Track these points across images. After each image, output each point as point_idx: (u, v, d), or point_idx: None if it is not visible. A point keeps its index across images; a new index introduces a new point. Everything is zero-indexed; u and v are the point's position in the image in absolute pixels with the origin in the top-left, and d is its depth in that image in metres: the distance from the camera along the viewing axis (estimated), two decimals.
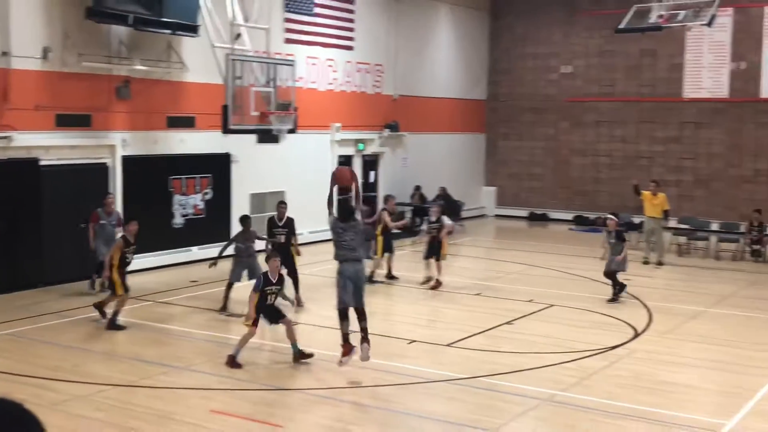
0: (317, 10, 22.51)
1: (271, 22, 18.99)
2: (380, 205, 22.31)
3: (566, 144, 29.11)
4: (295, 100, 18.51)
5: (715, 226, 23.38)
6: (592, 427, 9.24)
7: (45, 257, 16.23)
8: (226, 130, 17.05)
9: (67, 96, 16.54)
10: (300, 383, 10.69)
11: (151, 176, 18.22)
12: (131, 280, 13.89)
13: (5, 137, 15.38)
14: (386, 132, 25.25)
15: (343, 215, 11.24)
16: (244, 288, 14.74)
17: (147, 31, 17.41)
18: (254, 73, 17.69)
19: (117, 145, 17.55)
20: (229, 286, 14.42)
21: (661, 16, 20.17)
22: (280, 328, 11.64)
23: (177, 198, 18.90)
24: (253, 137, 20.02)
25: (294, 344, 11.39)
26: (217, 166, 19.76)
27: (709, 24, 20.13)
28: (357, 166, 24.53)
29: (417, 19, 26.53)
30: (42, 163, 16.26)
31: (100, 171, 17.43)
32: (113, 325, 13.08)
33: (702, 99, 26.51)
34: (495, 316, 14.37)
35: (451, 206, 25.96)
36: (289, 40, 21.61)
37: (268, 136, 19.33)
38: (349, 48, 23.84)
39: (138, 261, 17.44)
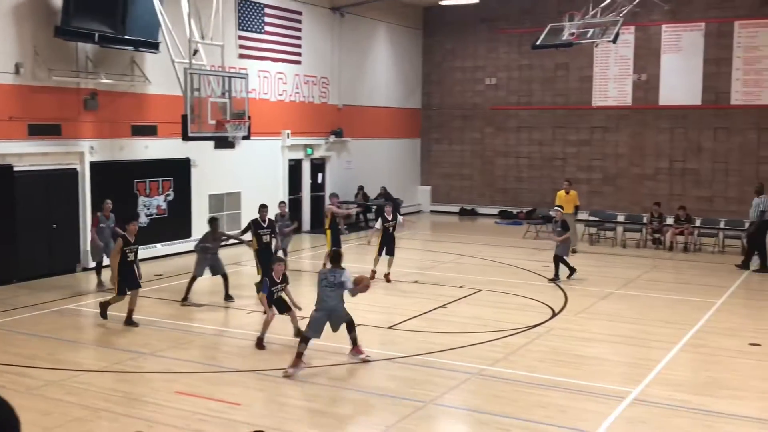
0: (267, 28, 22.34)
1: (225, 39, 18.79)
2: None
3: (491, 147, 29.38)
4: (249, 110, 18.35)
5: (621, 218, 23.85)
6: (516, 397, 9.35)
7: (19, 255, 15.85)
8: (186, 138, 16.84)
9: (38, 107, 16.17)
10: (258, 365, 10.61)
11: (117, 180, 17.92)
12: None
13: None
14: (332, 138, 25.18)
15: (332, 261, 10.88)
16: (205, 281, 14.62)
17: (112, 48, 17.17)
18: (211, 85, 17.52)
19: (85, 152, 17.22)
20: (193, 279, 14.24)
21: (572, 34, 20.44)
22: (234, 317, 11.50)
23: (141, 199, 18.63)
24: (211, 143, 19.84)
25: (296, 326, 11.57)
26: (178, 170, 19.51)
27: (614, 40, 20.47)
28: (306, 169, 24.44)
29: (358, 36, 26.51)
30: (16, 169, 15.86)
31: (70, 176, 17.08)
32: (129, 322, 12.50)
33: (609, 107, 26.99)
34: (430, 301, 14.45)
35: (391, 204, 26.02)
36: (242, 56, 21.42)
37: (224, 143, 19.17)
38: (297, 62, 23.72)
39: (106, 257, 17.19)
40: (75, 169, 17.17)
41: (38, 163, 16.39)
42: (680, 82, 25.72)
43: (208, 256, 14.28)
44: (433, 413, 8.89)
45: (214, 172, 20.56)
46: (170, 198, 19.33)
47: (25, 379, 9.81)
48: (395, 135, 29.13)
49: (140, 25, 17.10)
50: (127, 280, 12.63)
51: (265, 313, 11.47)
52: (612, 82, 26.84)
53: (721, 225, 22.17)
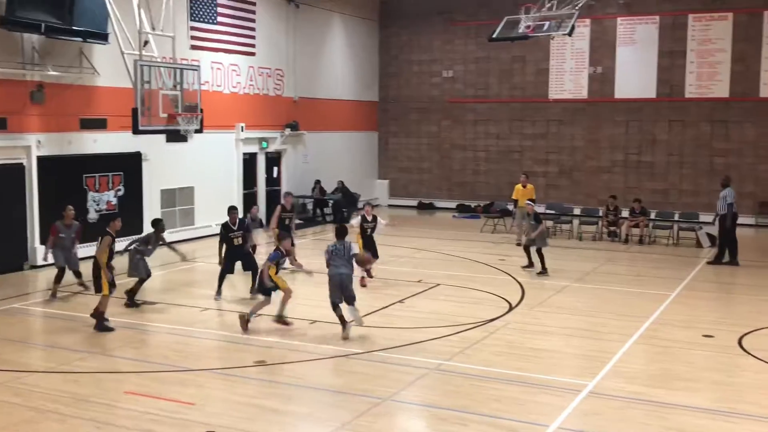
0: (220, 18, 22.11)
1: (176, 30, 18.54)
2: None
3: (448, 140, 29.50)
4: (201, 103, 18.18)
5: (577, 211, 24.15)
6: (473, 391, 9.41)
7: None
8: (137, 131, 16.63)
9: None
10: (210, 363, 10.52)
11: (65, 175, 17.60)
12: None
13: None
14: (287, 131, 25.04)
15: (337, 235, 12.07)
16: (156, 278, 14.42)
17: (59, 39, 16.85)
18: (162, 77, 17.28)
19: (32, 146, 16.88)
20: (141, 281, 13.78)
21: (528, 27, 20.55)
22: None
23: (91, 195, 18.33)
24: (162, 137, 19.58)
25: (282, 309, 12.10)
26: (129, 165, 19.23)
27: (570, 33, 20.64)
28: (261, 163, 24.28)
29: (313, 27, 26.37)
30: None
31: (17, 171, 16.72)
32: (102, 327, 11.99)
33: (565, 100, 27.28)
34: (388, 296, 14.46)
35: (348, 198, 26.02)
36: (194, 47, 21.17)
37: (176, 136, 18.92)
38: (252, 54, 23.51)
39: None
40: (21, 163, 16.82)
41: None
42: (635, 75, 26.08)
43: (138, 257, 13.74)
44: (391, 409, 8.89)
45: (166, 166, 20.31)
46: (120, 193, 19.06)
47: None
48: (352, 128, 29.07)
49: (88, 15, 16.81)
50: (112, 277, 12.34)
51: (284, 289, 12.02)
52: (568, 75, 27.11)
53: (676, 217, 22.57)
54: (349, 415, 8.57)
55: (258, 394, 9.40)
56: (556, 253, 19.72)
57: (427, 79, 29.65)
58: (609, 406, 8.95)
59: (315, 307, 13.15)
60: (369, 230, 15.58)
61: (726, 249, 18.21)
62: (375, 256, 15.37)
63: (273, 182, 25.02)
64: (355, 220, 15.92)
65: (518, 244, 20.44)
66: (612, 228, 21.84)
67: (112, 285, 12.23)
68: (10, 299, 14.10)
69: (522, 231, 20.92)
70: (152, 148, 19.66)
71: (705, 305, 14.42)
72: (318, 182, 25.89)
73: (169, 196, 20.52)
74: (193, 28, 21.15)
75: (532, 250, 16.87)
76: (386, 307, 13.67)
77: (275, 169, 25.23)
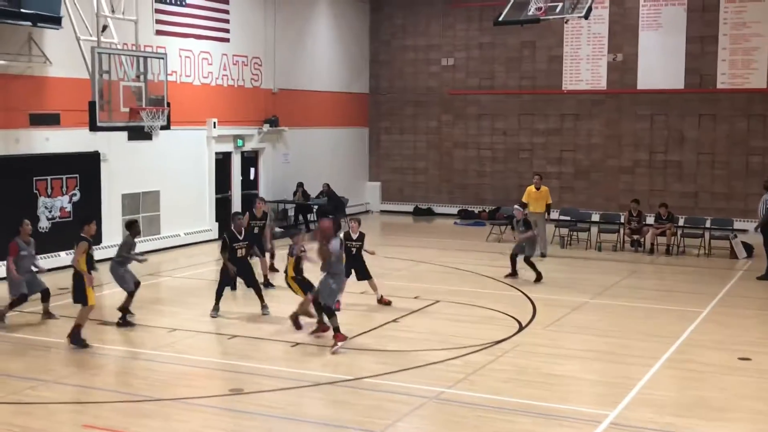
0: (190, 0, 22.12)
1: (139, 13, 18.54)
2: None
3: (449, 137, 29.55)
4: (168, 95, 18.16)
5: (595, 217, 24.16)
6: (479, 423, 9.41)
7: None
8: (94, 128, 16.61)
9: None
10: (179, 392, 10.49)
11: (12, 177, 17.52)
12: None
13: None
14: (266, 127, 25.05)
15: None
16: (117, 295, 14.40)
17: (5, 23, 16.77)
18: (123, 67, 17.31)
19: None
20: (131, 296, 13.91)
21: (539, 9, 20.61)
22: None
23: (42, 200, 18.27)
24: (124, 134, 19.58)
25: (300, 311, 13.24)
26: (86, 166, 19.18)
27: (586, 16, 20.73)
28: (236, 164, 24.28)
29: (296, 10, 26.40)
30: None
31: None
32: (79, 340, 12.21)
33: (581, 91, 27.37)
34: (381, 314, 14.46)
35: (335, 203, 26.02)
36: (160, 32, 21.17)
37: (139, 133, 18.90)
38: (225, 40, 23.53)
39: None
40: None
41: None
42: (660, 63, 26.17)
43: (123, 269, 13.90)
44: None
45: (128, 167, 20.28)
46: (76, 198, 19.01)
47: None
48: (339, 124, 29.09)
49: None
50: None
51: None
52: (584, 63, 27.20)
53: (707, 224, 22.61)
54: None
55: (234, 426, 9.38)
56: (573, 266, 19.79)
57: (424, 67, 29.70)
58: None
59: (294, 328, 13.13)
60: (354, 249, 15.13)
61: None
62: (366, 276, 15.32)
63: (250, 185, 25.00)
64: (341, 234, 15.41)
65: (543, 255, 20.24)
66: (635, 236, 21.88)
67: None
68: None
69: (540, 239, 20.81)
70: (112, 147, 19.63)
71: (741, 324, 14.44)
72: (300, 185, 25.88)
73: (131, 202, 20.49)
74: (158, 11, 21.14)
75: (519, 259, 17.53)
76: (379, 327, 13.66)
77: (252, 170, 25.21)
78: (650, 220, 22.24)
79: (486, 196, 28.85)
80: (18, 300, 13.67)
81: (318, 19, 27.78)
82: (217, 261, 14.46)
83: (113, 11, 17.71)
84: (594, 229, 22.80)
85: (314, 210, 25.79)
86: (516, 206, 18.69)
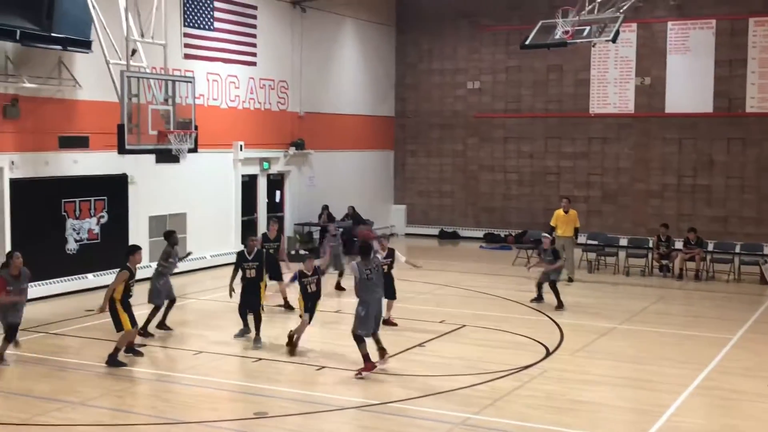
0: (218, 24, 22.34)
1: (168, 37, 18.72)
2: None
3: (475, 160, 29.55)
4: (196, 118, 18.29)
5: (623, 242, 24.03)
6: None
7: None
8: (123, 150, 16.73)
9: None
10: (203, 415, 10.50)
11: (42, 200, 17.73)
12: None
13: None
14: (292, 150, 25.18)
15: (363, 254, 12.54)
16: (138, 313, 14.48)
17: (36, 47, 17.01)
18: (152, 90, 17.46)
19: (4, 167, 17.02)
20: (156, 309, 14.55)
21: (566, 32, 20.61)
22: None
23: (70, 222, 18.44)
24: (152, 157, 19.71)
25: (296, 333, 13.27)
26: (113, 188, 19.37)
27: (614, 40, 20.68)
28: (262, 186, 24.40)
29: (322, 33, 26.58)
30: None
31: None
32: (115, 362, 12.55)
33: (608, 114, 27.29)
34: (406, 339, 14.41)
35: (359, 226, 26.04)
36: (188, 56, 21.39)
37: (167, 156, 19.03)
38: (252, 64, 23.73)
39: (28, 290, 16.97)
40: None
41: None
42: (689, 86, 26.07)
43: (162, 280, 14.48)
44: None
45: (155, 190, 20.43)
46: (104, 220, 19.17)
47: None
48: (365, 147, 29.18)
49: (69, 20, 16.97)
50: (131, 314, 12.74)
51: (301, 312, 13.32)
52: (612, 86, 27.14)
53: (737, 249, 22.42)
54: None
55: None
56: (601, 291, 19.66)
57: (450, 91, 29.77)
58: None
59: (322, 352, 13.13)
60: (384, 267, 14.86)
61: None
62: (392, 296, 15.35)
63: (275, 207, 25.11)
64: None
65: (570, 280, 20.24)
66: (664, 261, 21.72)
67: (133, 323, 12.74)
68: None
69: (567, 264, 20.75)
70: (140, 169, 19.78)
71: None
72: (326, 208, 25.95)
73: (158, 224, 20.59)
74: (186, 35, 21.37)
75: (546, 285, 17.41)
76: (404, 351, 13.62)
77: (278, 192, 25.33)
78: (679, 244, 22.07)
79: (512, 219, 28.76)
80: (10, 332, 12.70)
81: (344, 43, 27.95)
82: (238, 284, 14.45)
83: (142, 35, 17.89)
84: (622, 254, 22.66)
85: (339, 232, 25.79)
86: (544, 234, 18.59)
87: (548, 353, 13.60)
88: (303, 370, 12.48)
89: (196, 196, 21.67)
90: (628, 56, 26.84)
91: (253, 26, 23.64)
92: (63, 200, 18.27)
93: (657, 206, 26.69)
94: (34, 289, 17.00)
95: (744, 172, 25.73)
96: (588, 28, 20.86)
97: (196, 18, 21.61)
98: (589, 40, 21.24)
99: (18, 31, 16.16)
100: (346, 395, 11.22)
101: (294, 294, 14.64)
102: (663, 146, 26.69)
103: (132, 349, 13.10)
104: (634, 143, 27.09)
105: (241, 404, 10.99)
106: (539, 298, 17.59)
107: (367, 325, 12.17)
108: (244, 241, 19.44)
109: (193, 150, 18.39)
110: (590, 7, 20.81)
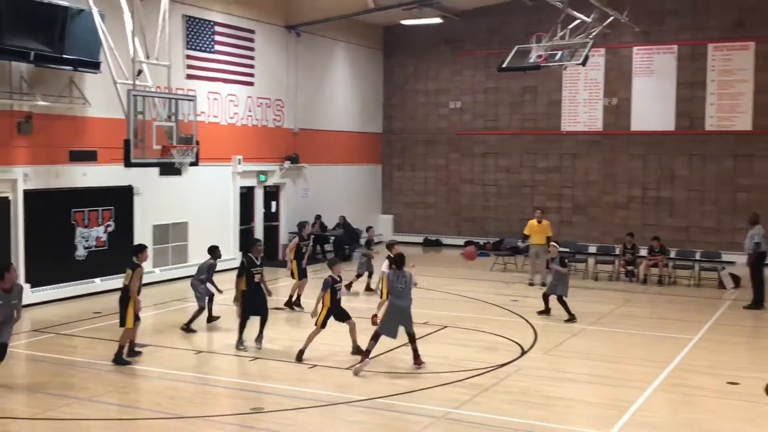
0: (218, 47, 22.32)
1: (172, 59, 18.70)
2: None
3: (456, 174, 29.58)
4: (197, 134, 18.23)
5: (592, 249, 24.12)
6: None
7: None
8: (128, 164, 16.65)
9: None
10: (203, 410, 10.45)
11: (53, 209, 17.65)
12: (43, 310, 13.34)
13: None
14: (287, 164, 25.15)
15: (397, 265, 12.83)
16: (147, 319, 14.39)
17: (48, 68, 17.00)
18: (156, 108, 17.38)
19: (19, 179, 16.94)
20: (200, 311, 15.16)
21: (540, 56, 20.76)
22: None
23: (80, 230, 18.36)
24: (156, 170, 19.66)
25: (354, 341, 13.03)
26: (120, 199, 19.29)
27: (584, 63, 20.84)
28: (258, 198, 24.35)
29: (315, 56, 26.60)
30: None
31: (2, 205, 16.78)
32: (120, 360, 12.50)
33: (579, 132, 27.38)
34: (392, 339, 14.35)
35: (350, 234, 26.04)
36: (190, 76, 21.36)
37: (170, 169, 19.00)
38: (250, 84, 23.71)
39: (40, 293, 16.94)
40: (7, 197, 16.88)
41: None
42: (653, 106, 26.21)
43: (203, 287, 15.23)
44: None
45: (159, 200, 20.36)
46: (111, 229, 19.09)
47: None
48: (355, 161, 29.19)
49: (80, 43, 16.96)
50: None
51: (314, 317, 12.97)
52: (582, 106, 27.25)
53: (697, 256, 22.50)
54: None
55: None
56: (571, 294, 19.60)
57: (433, 110, 29.84)
58: None
59: (314, 350, 13.08)
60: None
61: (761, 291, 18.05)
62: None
63: (271, 217, 25.06)
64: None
65: (530, 284, 20.46)
66: (629, 267, 21.78)
67: (136, 318, 12.62)
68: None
69: (535, 270, 20.91)
70: (145, 181, 19.73)
71: (730, 350, 14.32)
72: (318, 217, 25.92)
73: (161, 232, 20.55)
74: (189, 57, 21.35)
75: (552, 298, 16.62)
76: (390, 350, 13.58)
77: (273, 203, 25.29)
78: (644, 252, 22.12)
79: (490, 228, 28.79)
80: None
81: (336, 65, 27.97)
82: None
83: (148, 57, 17.83)
84: (591, 261, 22.71)
85: (331, 240, 25.78)
86: (552, 243, 17.75)
87: (523, 352, 13.60)
88: (296, 368, 12.43)
89: (197, 207, 21.61)
90: (596, 78, 26.96)
91: (251, 49, 23.63)
92: (73, 210, 18.19)
93: (623, 217, 26.76)
94: (46, 293, 17.09)
95: (704, 185, 25.84)
96: (560, 52, 21.01)
97: (197, 41, 21.58)
98: (561, 64, 21.41)
99: (32, 53, 16.11)
100: (337, 392, 11.18)
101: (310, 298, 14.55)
102: (629, 161, 26.78)
103: (132, 350, 12.91)
104: (603, 159, 27.18)
105: (238, 400, 10.95)
106: (547, 311, 16.72)
107: (389, 329, 12.40)
108: (244, 248, 19.55)
109: (195, 163, 18.33)
110: (562, 33, 20.98)
